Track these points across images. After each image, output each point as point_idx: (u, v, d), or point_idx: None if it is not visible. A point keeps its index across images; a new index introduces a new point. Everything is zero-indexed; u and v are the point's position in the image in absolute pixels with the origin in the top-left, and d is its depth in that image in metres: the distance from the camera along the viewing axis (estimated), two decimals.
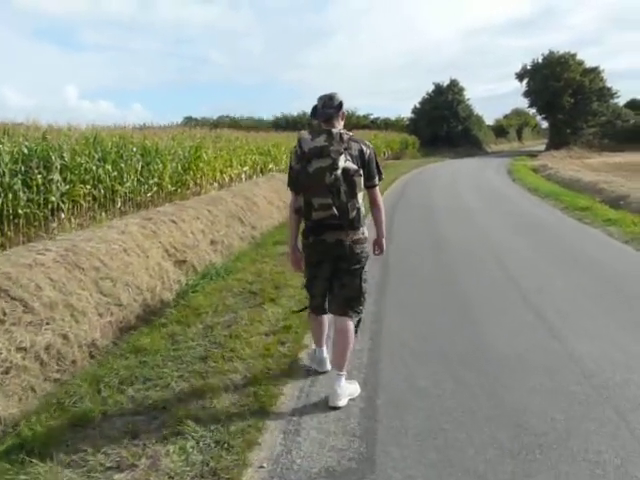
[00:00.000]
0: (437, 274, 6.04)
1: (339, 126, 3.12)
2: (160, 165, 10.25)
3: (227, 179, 14.13)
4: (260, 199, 10.36)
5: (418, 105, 47.73)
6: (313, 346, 3.63)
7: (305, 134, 3.07)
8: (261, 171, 16.83)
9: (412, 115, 48.49)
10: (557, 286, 5.38)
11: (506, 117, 79.94)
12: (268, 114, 55.46)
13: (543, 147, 48.58)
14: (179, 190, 11.12)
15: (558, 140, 39.88)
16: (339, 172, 2.91)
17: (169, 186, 10.52)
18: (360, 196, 3.04)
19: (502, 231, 8.44)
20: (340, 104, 3.11)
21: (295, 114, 53.70)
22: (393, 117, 51.72)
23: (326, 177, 2.89)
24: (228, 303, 5.01)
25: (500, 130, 71.13)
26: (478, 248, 7.24)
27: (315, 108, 3.15)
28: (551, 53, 41.69)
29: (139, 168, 9.47)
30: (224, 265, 6.37)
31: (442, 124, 44.04)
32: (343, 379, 3.11)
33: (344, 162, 2.94)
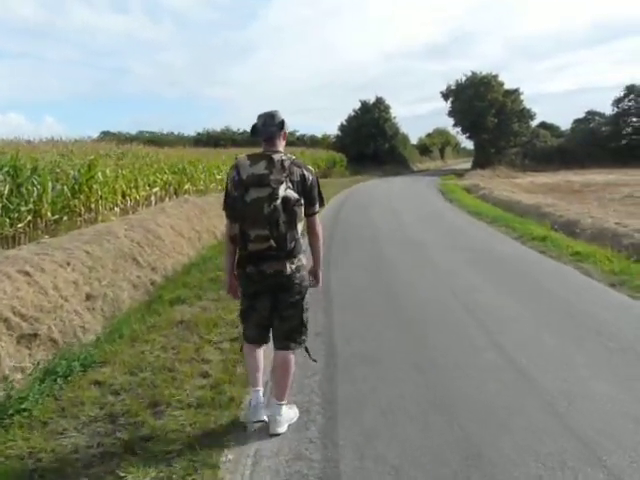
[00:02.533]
0: (400, 343, 4.39)
1: (281, 146, 3.00)
2: (38, 187, 8.10)
3: (132, 203, 12.01)
4: (166, 230, 8.38)
5: (345, 122, 47.05)
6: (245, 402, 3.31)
7: (243, 159, 2.88)
8: (175, 192, 14.76)
9: (338, 132, 47.74)
10: (563, 360, 3.90)
11: (429, 136, 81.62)
12: (192, 130, 52.82)
13: (467, 165, 49.35)
14: (65, 218, 8.97)
15: (483, 159, 40.26)
16: (279, 202, 2.76)
17: (49, 214, 8.36)
18: (300, 226, 2.91)
19: (463, 272, 6.98)
20: (282, 122, 2.99)
21: (219, 130, 51.84)
22: (319, 134, 51.01)
23: (264, 208, 2.74)
24: (58, 451, 2.76)
25: (424, 149, 72.39)
26: (443, 298, 5.69)
27: (255, 127, 3.01)
28: (474, 74, 42.27)
29: (5, 191, 7.33)
30: (86, 351, 4.12)
31: (369, 142, 43.49)
32: (283, 407, 3.09)
33: (284, 191, 2.79)
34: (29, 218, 7.85)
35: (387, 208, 15.69)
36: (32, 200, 7.90)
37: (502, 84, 41.52)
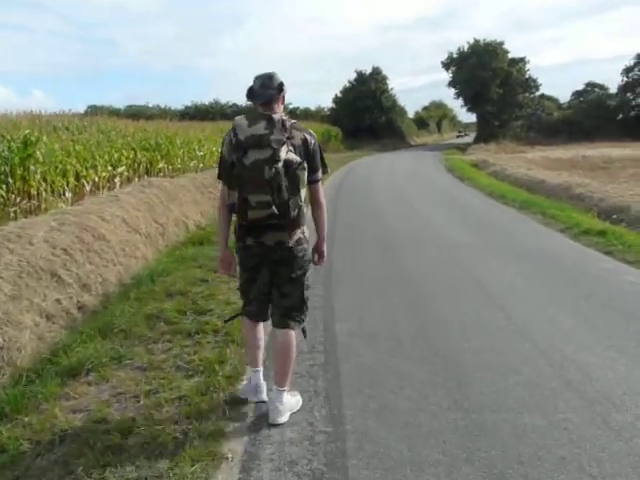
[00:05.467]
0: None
1: (279, 111, 2.76)
2: None
3: (90, 186, 9.95)
4: (115, 226, 6.41)
5: (339, 94, 44.66)
6: (246, 376, 3.16)
7: (241, 120, 2.63)
8: (147, 172, 12.66)
9: (333, 105, 45.37)
10: None
11: (426, 109, 79.29)
12: (181, 104, 50.13)
13: (468, 140, 47.25)
14: None
15: (487, 133, 38.05)
16: (280, 165, 2.53)
17: None
18: (303, 192, 2.67)
19: (525, 292, 5.00)
20: (281, 85, 2.77)
21: (207, 103, 49.19)
22: (313, 107, 48.65)
23: (265, 171, 2.51)
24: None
25: (421, 122, 70.23)
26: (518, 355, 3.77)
27: (251, 89, 2.77)
28: (477, 42, 39.69)
29: None
30: None
31: (365, 114, 41.24)
32: (284, 394, 2.82)
33: (286, 153, 2.57)
34: None
35: (394, 191, 13.59)
36: None
37: (507, 52, 39.07)
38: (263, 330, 3.01)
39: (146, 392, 2.90)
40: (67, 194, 9.07)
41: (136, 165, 11.95)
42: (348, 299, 4.63)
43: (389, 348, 3.57)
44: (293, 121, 2.68)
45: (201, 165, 15.57)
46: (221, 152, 2.81)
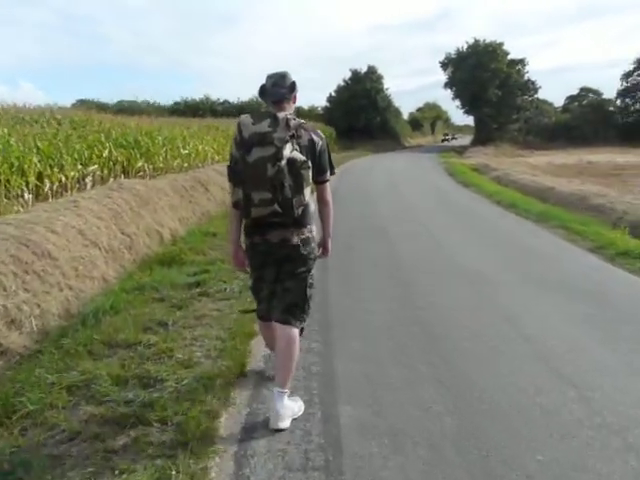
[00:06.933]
0: None
1: (290, 110, 2.78)
2: None
3: (56, 187, 8.78)
4: (66, 239, 5.29)
5: (334, 93, 43.55)
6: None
7: (246, 118, 2.63)
8: (123, 172, 11.48)
9: (327, 104, 44.24)
10: None
11: (420, 110, 78.43)
12: (171, 99, 48.52)
13: (463, 142, 46.38)
14: None
15: (484, 135, 37.06)
16: (283, 163, 2.51)
17: None
18: (308, 191, 2.61)
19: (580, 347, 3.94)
20: (293, 84, 2.81)
21: (197, 99, 47.81)
22: (306, 106, 47.51)
23: (268, 168, 2.50)
24: None
25: (415, 123, 69.36)
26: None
27: (263, 87, 2.82)
28: (477, 42, 38.68)
29: None
30: None
31: (360, 114, 40.15)
32: (285, 397, 2.70)
33: (290, 152, 2.55)
34: None
35: (396, 199, 12.50)
36: None
37: (507, 53, 38.08)
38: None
39: None
40: (27, 196, 7.94)
41: (111, 164, 10.81)
42: (354, 363, 3.37)
43: (427, 462, 2.33)
44: (302, 121, 2.68)
45: (186, 165, 14.38)
46: (230, 151, 2.76)
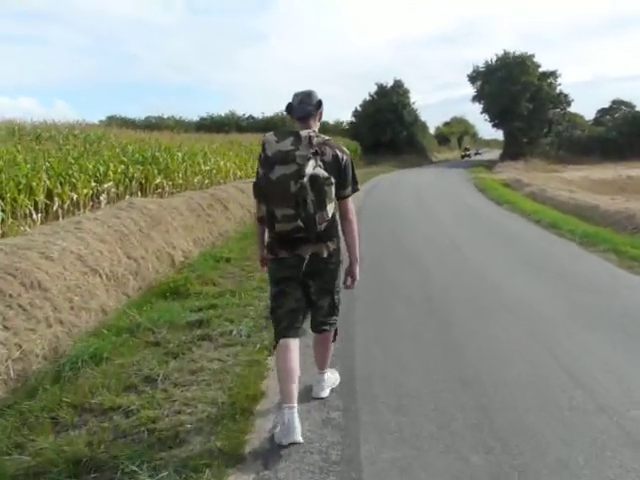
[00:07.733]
0: None
1: (315, 127, 2.90)
2: None
3: (68, 205, 8.34)
4: (63, 267, 4.77)
5: (359, 108, 43.10)
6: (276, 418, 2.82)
7: (271, 136, 2.72)
8: (141, 189, 11.08)
9: (352, 119, 43.80)
10: None
11: (447, 125, 77.54)
12: (197, 115, 48.81)
13: (491, 156, 45.37)
14: None
15: (514, 150, 35.98)
16: (306, 180, 2.54)
17: None
18: (331, 207, 2.66)
19: None
20: (319, 102, 2.92)
21: (223, 114, 47.93)
22: (331, 121, 47.17)
23: (290, 186, 2.53)
24: None
25: (442, 138, 68.52)
26: None
27: (290, 105, 2.93)
28: (506, 54, 37.78)
29: None
30: None
31: (386, 129, 39.54)
32: (325, 374, 3.13)
33: (312, 168, 2.59)
34: None
35: (426, 216, 11.76)
36: None
37: (538, 66, 37.04)
38: (298, 356, 2.76)
39: None
40: (35, 216, 7.51)
41: (127, 181, 10.40)
42: (388, 450, 2.49)
43: None
44: (326, 137, 2.79)
45: (207, 181, 13.97)
46: (257, 168, 2.83)
